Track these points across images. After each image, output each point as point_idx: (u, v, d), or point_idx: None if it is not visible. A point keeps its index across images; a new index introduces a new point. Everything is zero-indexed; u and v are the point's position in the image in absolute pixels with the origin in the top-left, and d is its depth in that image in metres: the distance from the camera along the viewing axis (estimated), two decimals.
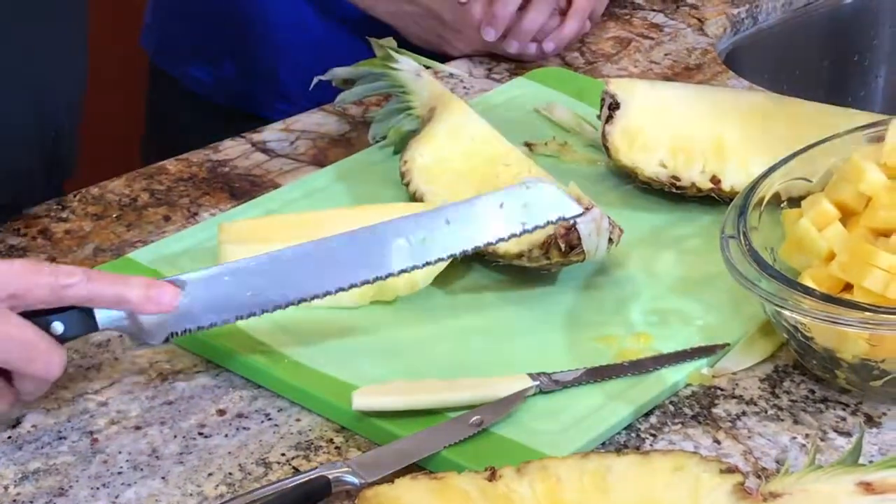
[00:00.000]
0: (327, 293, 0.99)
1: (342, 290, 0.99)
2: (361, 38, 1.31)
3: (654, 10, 1.56)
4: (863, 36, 1.65)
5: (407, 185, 1.17)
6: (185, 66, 1.60)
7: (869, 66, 1.65)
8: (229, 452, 0.95)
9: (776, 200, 1.07)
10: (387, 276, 0.99)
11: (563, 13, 1.43)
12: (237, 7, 1.55)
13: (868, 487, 0.83)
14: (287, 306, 0.99)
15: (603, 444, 0.95)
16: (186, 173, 1.26)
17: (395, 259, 0.99)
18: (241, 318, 0.99)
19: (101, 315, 0.95)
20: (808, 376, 1.01)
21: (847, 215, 1.04)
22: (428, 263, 1.00)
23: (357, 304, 1.05)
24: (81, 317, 0.95)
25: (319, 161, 1.27)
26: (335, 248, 0.99)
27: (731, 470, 0.85)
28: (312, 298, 0.99)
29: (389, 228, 0.99)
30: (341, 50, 1.40)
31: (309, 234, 1.07)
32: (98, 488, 0.92)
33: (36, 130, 1.19)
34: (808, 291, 0.95)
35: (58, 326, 0.94)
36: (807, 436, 0.96)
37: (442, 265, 1.04)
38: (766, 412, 0.98)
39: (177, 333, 0.98)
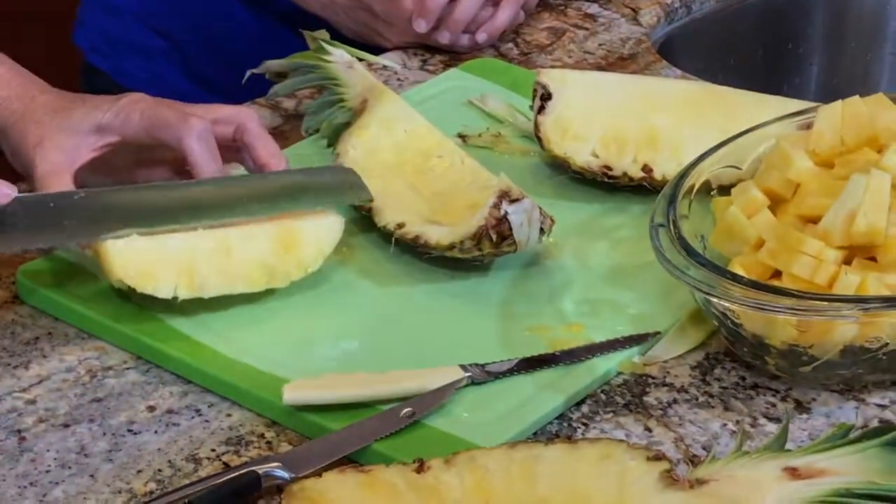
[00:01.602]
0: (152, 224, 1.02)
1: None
2: (296, 31, 1.30)
3: (588, 1, 1.56)
4: (796, 24, 1.65)
5: None
6: (120, 63, 1.59)
7: (803, 54, 1.66)
8: (159, 449, 0.94)
9: (706, 188, 1.07)
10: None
11: (497, 3, 1.43)
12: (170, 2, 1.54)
13: (794, 472, 0.84)
14: (114, 238, 1.01)
15: (535, 433, 0.95)
16: None
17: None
18: (63, 244, 1.03)
19: None
20: (739, 363, 1.01)
21: (776, 202, 1.04)
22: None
23: (250, 288, 1.04)
24: None
25: None
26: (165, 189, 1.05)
27: (659, 457, 0.85)
28: (143, 229, 1.02)
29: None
30: (276, 44, 1.39)
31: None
32: (26, 487, 0.91)
33: None
34: (735, 278, 0.95)
35: None
36: (737, 422, 0.96)
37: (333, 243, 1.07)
38: (696, 399, 0.99)
39: None
